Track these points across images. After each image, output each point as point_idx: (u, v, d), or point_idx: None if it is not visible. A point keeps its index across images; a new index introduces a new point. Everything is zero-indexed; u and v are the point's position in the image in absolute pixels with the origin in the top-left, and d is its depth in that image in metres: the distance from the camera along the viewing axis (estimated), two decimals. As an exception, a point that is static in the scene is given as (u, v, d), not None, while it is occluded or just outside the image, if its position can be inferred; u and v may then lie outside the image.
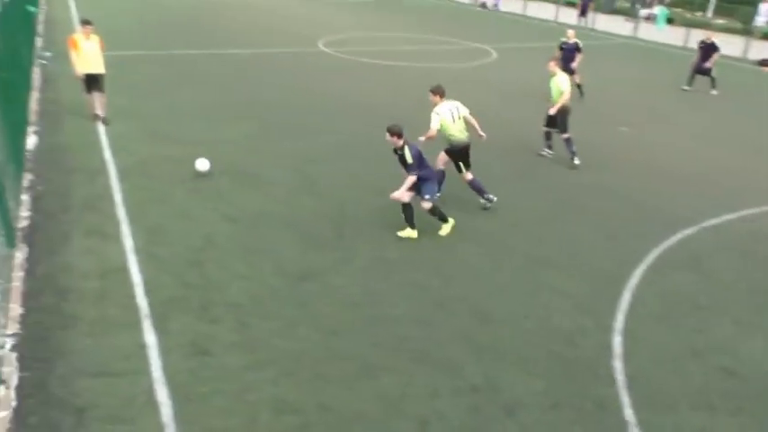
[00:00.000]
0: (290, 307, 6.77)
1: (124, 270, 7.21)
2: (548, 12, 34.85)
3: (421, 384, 5.74)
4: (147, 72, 16.62)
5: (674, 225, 9.47)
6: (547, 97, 11.95)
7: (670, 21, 32.99)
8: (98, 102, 11.87)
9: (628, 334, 6.73)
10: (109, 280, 7.00)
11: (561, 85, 11.50)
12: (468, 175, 9.48)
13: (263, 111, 13.85)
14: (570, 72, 15.37)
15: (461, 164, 9.42)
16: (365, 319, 6.64)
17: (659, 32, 30.28)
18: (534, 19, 33.70)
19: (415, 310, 6.89)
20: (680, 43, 27.62)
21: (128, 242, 7.82)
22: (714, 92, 18.55)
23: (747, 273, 8.29)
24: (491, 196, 9.42)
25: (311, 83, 16.65)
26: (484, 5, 38.03)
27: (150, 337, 6.09)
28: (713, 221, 9.75)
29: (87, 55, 11.41)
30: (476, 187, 9.51)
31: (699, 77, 18.66)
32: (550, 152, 12.16)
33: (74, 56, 11.40)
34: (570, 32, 16.27)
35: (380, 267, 7.69)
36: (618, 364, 6.23)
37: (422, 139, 8.95)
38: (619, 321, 6.95)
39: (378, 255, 7.99)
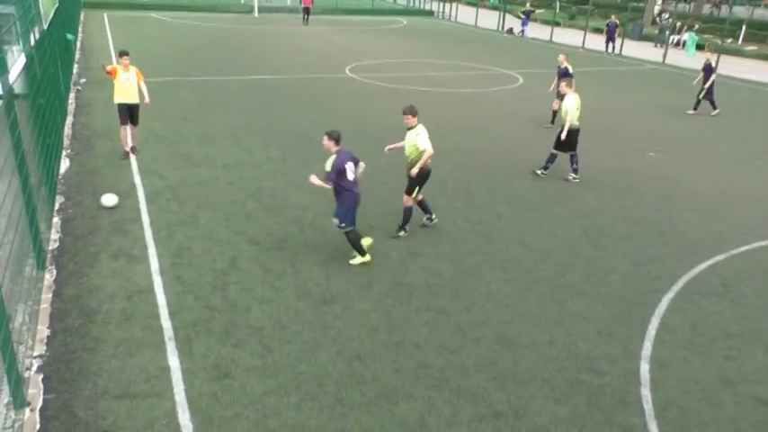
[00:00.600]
0: (312, 331, 6.78)
1: (150, 292, 7.32)
2: (574, 38, 34.87)
3: (442, 411, 5.66)
4: (179, 97, 17.03)
5: (702, 251, 9.28)
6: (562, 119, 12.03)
7: (700, 47, 32.72)
8: (131, 134, 11.93)
9: (656, 362, 6.58)
10: (134, 302, 7.10)
11: (566, 105, 11.80)
12: (420, 195, 9.28)
13: (289, 134, 14.04)
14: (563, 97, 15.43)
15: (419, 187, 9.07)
16: (387, 344, 6.61)
17: (689, 59, 30.03)
18: (561, 45, 33.72)
19: (436, 335, 6.83)
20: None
21: (154, 264, 7.95)
22: (716, 111, 18.60)
23: (781, 301, 8.05)
24: (434, 216, 9.56)
25: (336, 107, 16.86)
26: (510, 31, 38.21)
27: (174, 360, 6.14)
28: (743, 248, 9.53)
29: (124, 85, 11.48)
30: (425, 205, 9.50)
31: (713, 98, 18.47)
32: (545, 173, 12.31)
33: (110, 75, 11.49)
34: (561, 57, 15.98)
35: (402, 292, 7.67)
36: (646, 393, 6.08)
37: (416, 170, 8.70)
38: (646, 349, 6.80)
39: (399, 279, 7.97)
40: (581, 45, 32.93)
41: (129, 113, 11.73)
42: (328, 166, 7.89)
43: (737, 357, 6.78)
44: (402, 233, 9.22)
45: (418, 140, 8.67)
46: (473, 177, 11.98)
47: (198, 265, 8.04)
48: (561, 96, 15.27)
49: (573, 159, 12.07)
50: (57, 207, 9.42)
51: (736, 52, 32.83)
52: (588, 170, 12.82)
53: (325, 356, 6.35)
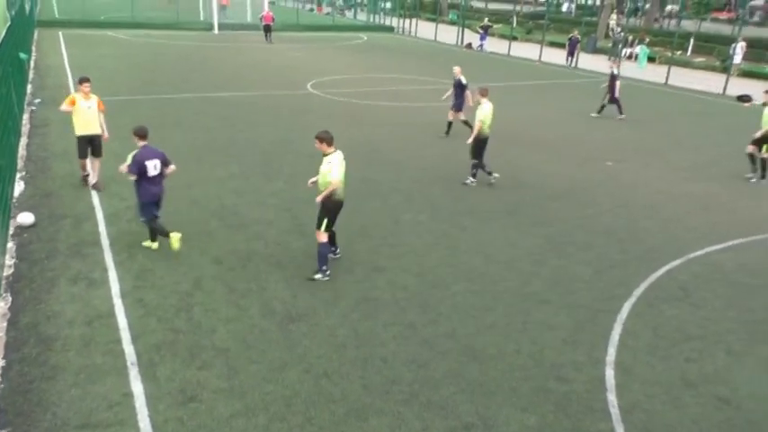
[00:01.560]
0: (279, 349, 6.70)
1: (111, 316, 7.14)
2: (531, 52, 35.62)
3: (412, 425, 5.65)
4: (138, 115, 16.65)
5: (661, 257, 9.52)
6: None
7: (651, 59, 33.77)
8: (93, 167, 11.01)
9: (620, 367, 6.70)
10: (95, 327, 6.91)
11: (478, 112, 12.06)
12: (325, 237, 8.25)
13: (252, 151, 13.94)
14: (457, 108, 15.75)
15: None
16: (355, 361, 6.57)
17: (641, 71, 30.95)
18: (518, 59, 34.41)
19: (404, 349, 6.82)
20: (662, 80, 28.25)
21: (115, 287, 7.76)
22: (621, 116, 19.59)
23: (736, 302, 8.30)
24: (325, 275, 8.21)
25: (299, 123, 16.83)
26: (469, 46, 38.81)
27: (137, 385, 5.98)
28: (699, 253, 9.81)
29: (85, 115, 10.64)
30: (332, 238, 8.49)
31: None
32: (474, 180, 12.51)
33: (70, 112, 10.62)
34: (456, 69, 15.69)
35: (368, 307, 7.65)
36: (612, 398, 6.18)
37: (319, 199, 8.10)
38: (611, 354, 6.92)
39: (365, 294, 7.95)
40: (538, 58, 33.66)
41: (91, 145, 10.85)
42: (129, 159, 8.39)
43: (698, 359, 6.95)
44: (319, 275, 8.14)
45: (329, 170, 7.89)
46: (436, 190, 12.07)
47: (161, 286, 7.89)
48: (457, 107, 15.47)
49: (479, 166, 12.32)
50: (11, 231, 9.13)
51: (686, 64, 33.98)
52: (549, 180, 13.07)
53: (293, 375, 6.27)
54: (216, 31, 40.16)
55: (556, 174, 13.60)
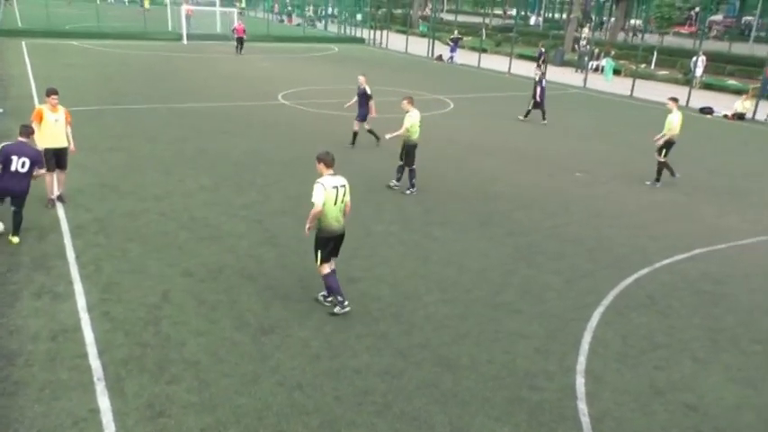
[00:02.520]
0: (251, 362, 6.61)
1: (76, 330, 6.96)
2: (501, 64, 36.12)
3: (386, 437, 5.62)
4: (105, 126, 16.49)
5: (629, 267, 9.69)
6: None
7: (617, 72, 34.53)
8: (58, 179, 10.65)
9: (591, 375, 6.77)
10: (60, 341, 6.74)
11: (405, 120, 12.27)
12: (332, 265, 7.66)
13: (222, 162, 13.81)
14: (361, 118, 15.63)
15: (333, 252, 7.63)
16: (328, 372, 6.52)
17: (607, 83, 31.62)
18: (488, 71, 34.85)
19: (378, 360, 6.80)
20: (627, 93, 28.87)
21: (80, 301, 7.58)
22: (544, 121, 20.54)
23: (701, 310, 8.48)
24: (344, 306, 7.60)
25: (271, 134, 16.75)
26: (440, 58, 39.19)
27: (104, 401, 5.84)
28: (666, 261, 10.01)
29: (53, 128, 10.29)
30: (331, 284, 7.62)
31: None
32: (398, 184, 12.73)
33: (37, 129, 10.07)
34: (361, 78, 15.55)
35: (341, 318, 7.60)
36: (582, 406, 6.24)
37: (307, 227, 7.50)
38: (581, 363, 7.00)
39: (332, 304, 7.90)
40: (507, 70, 34.14)
41: (56, 158, 10.45)
42: None
43: (666, 367, 7.07)
44: (337, 308, 7.57)
45: (314, 193, 7.31)
46: (408, 201, 12.11)
47: (128, 300, 7.73)
48: (361, 116, 15.45)
49: (411, 173, 12.52)
50: (-28, 244, 8.87)
51: (650, 76, 34.83)
52: (519, 190, 13.23)
53: (265, 388, 6.20)
54: (185, 41, 39.84)
55: (526, 184, 13.77)
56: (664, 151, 13.99)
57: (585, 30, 46.25)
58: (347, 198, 7.54)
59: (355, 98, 15.95)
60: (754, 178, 15.68)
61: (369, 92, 15.48)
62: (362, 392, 6.23)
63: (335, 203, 7.34)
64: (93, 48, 34.03)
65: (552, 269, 9.46)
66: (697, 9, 61.76)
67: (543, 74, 20.92)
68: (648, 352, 7.35)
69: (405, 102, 12.53)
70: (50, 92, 10.35)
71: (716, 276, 9.60)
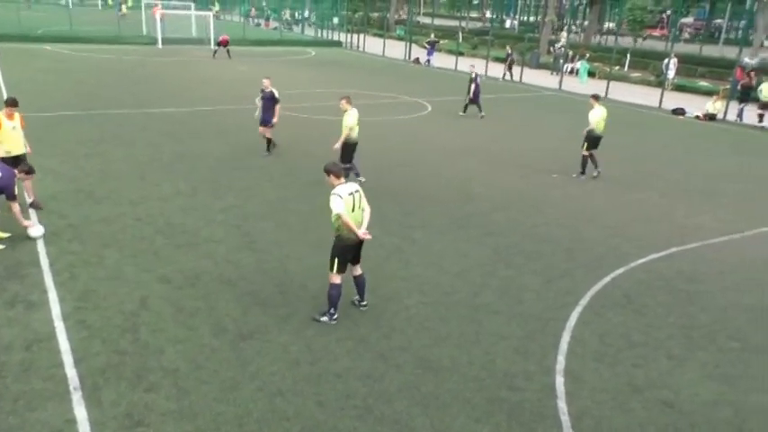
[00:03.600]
0: (230, 368, 6.56)
1: (51, 339, 6.85)
2: (477, 66, 36.32)
3: (368, 440, 5.61)
4: (79, 132, 16.23)
5: (605, 266, 9.81)
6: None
7: (592, 74, 34.99)
8: (25, 186, 10.40)
9: (569, 374, 6.84)
10: (34, 351, 6.62)
11: (346, 120, 12.35)
12: (358, 270, 7.75)
13: (199, 167, 13.70)
14: (265, 123, 14.75)
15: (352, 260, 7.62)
16: (308, 377, 6.50)
17: (582, 85, 32.02)
18: (465, 73, 35.00)
19: (358, 364, 6.79)
20: (601, 94, 29.21)
21: (55, 309, 7.46)
22: (482, 114, 21.73)
23: (676, 308, 8.62)
24: (333, 318, 7.57)
25: (248, 138, 16.64)
26: (417, 61, 39.34)
27: (80, 411, 5.75)
28: (641, 261, 10.16)
29: (11, 136, 10.22)
30: (361, 285, 7.84)
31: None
32: (362, 178, 12.89)
33: None
34: (266, 82, 14.76)
35: (321, 323, 7.57)
36: (562, 405, 6.30)
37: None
38: (560, 363, 7.06)
39: (318, 310, 7.87)
40: (483, 73, 34.36)
41: (15, 166, 10.19)
42: None
43: (644, 365, 7.17)
44: (325, 318, 7.52)
45: (332, 203, 7.19)
46: (386, 204, 12.12)
47: (104, 307, 7.62)
48: (264, 121, 14.59)
49: (348, 171, 12.39)
50: (-58, 253, 8.68)
51: (623, 78, 35.35)
52: (497, 192, 13.32)
53: (245, 394, 6.15)
54: (160, 45, 39.44)
55: (503, 185, 13.88)
56: (586, 144, 14.71)
57: (563, 33, 46.85)
58: (364, 203, 7.45)
59: (262, 102, 14.79)
60: (726, 178, 15.99)
61: (277, 95, 14.64)
62: (344, 397, 6.22)
63: (353, 210, 7.24)
64: (66, 52, 33.54)
65: (530, 269, 9.54)
66: (668, 12, 62.91)
67: (478, 73, 22.03)
68: (625, 350, 7.44)
69: (343, 101, 12.51)
70: (12, 103, 10.24)
71: (690, 275, 9.76)
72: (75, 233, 9.75)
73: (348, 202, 7.17)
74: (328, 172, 7.34)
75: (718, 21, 64.14)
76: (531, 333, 7.68)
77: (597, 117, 14.57)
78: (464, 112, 22.05)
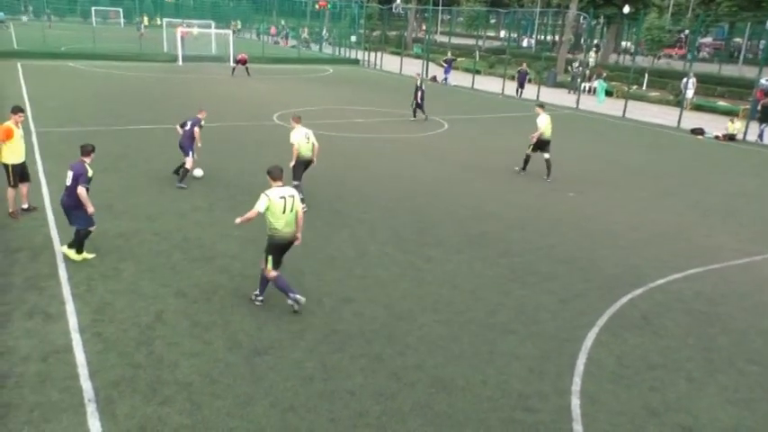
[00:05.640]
0: (244, 384, 6.56)
1: (68, 351, 6.90)
2: (493, 86, 36.47)
3: (380, 459, 5.56)
4: (100, 147, 16.12)
5: (622, 286, 9.70)
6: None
7: (609, 93, 34.89)
8: (21, 191, 10.95)
9: (586, 396, 6.74)
10: (51, 363, 6.67)
11: (291, 137, 12.30)
12: (274, 273, 8.13)
13: (217, 183, 13.83)
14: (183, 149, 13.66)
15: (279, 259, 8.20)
16: (322, 394, 6.47)
17: (600, 105, 31.93)
18: (481, 92, 35.15)
19: (372, 382, 6.76)
20: (619, 114, 29.15)
21: (72, 321, 7.53)
22: (424, 117, 23.92)
23: (695, 330, 8.48)
24: (299, 297, 8.05)
25: (265, 154, 16.76)
26: (434, 79, 39.52)
27: (94, 423, 5.78)
28: (659, 281, 10.03)
29: (19, 143, 10.59)
30: (281, 285, 8.13)
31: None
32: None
33: (5, 146, 10.44)
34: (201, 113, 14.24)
35: (335, 339, 7.57)
36: (578, 428, 6.20)
37: (238, 221, 8.16)
38: (576, 384, 6.97)
39: (332, 326, 7.88)
40: (501, 92, 34.44)
41: (23, 172, 10.81)
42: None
43: (661, 388, 7.05)
44: (296, 302, 8.03)
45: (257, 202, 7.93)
46: (402, 222, 12.13)
47: (120, 320, 7.68)
48: (183, 149, 13.43)
49: (297, 188, 12.03)
50: (-36, 265, 8.81)
51: (642, 97, 35.22)
52: (512, 210, 13.27)
53: (259, 410, 6.14)
54: (180, 62, 40.06)
55: (519, 204, 13.83)
56: (531, 146, 16.40)
57: (592, 53, 46.77)
58: (297, 207, 8.03)
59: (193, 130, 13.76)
60: (746, 199, 15.79)
61: (202, 123, 13.97)
62: (357, 414, 6.18)
63: (284, 212, 7.87)
64: (88, 69, 34.18)
65: (546, 289, 9.46)
66: (687, 32, 62.69)
67: (423, 80, 24.56)
68: (643, 372, 7.33)
69: (292, 120, 12.49)
70: (17, 109, 10.70)
71: (710, 296, 9.62)
72: (93, 247, 9.85)
73: (278, 204, 7.83)
74: (268, 173, 8.11)
75: (738, 40, 63.77)
76: (547, 353, 7.59)
77: (544, 123, 16.09)
78: (414, 117, 23.97)
